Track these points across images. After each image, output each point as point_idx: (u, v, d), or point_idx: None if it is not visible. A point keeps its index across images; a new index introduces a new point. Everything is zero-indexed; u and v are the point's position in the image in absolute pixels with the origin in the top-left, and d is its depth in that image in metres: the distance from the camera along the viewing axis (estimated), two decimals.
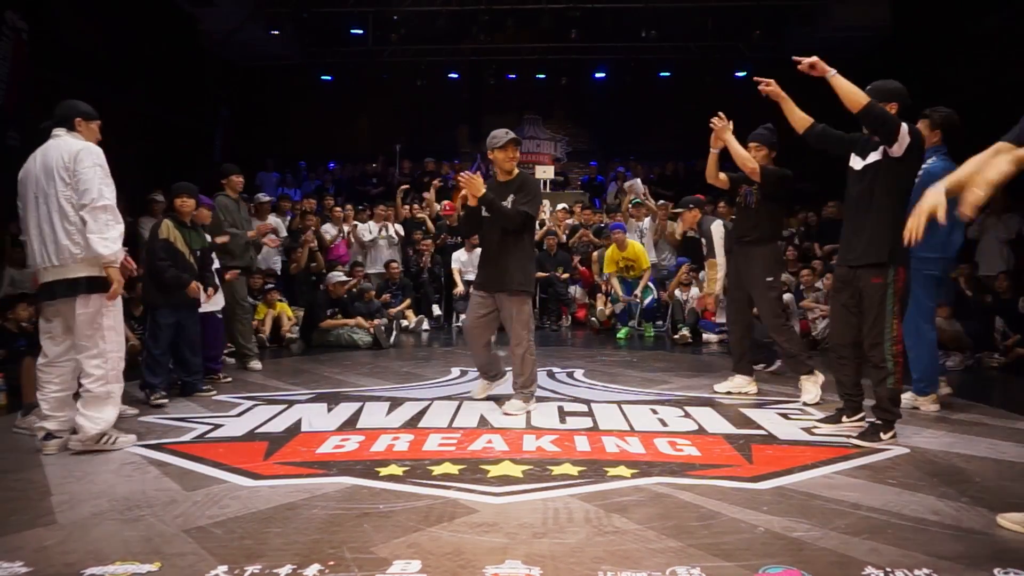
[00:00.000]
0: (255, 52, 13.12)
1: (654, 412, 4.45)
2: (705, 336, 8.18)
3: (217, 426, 4.15)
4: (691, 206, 6.07)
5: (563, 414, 4.42)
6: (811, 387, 4.80)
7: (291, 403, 4.73)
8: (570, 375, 5.89)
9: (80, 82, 9.18)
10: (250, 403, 4.78)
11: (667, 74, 14.50)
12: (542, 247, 9.95)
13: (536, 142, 15.75)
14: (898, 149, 3.61)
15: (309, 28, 13.11)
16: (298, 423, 4.20)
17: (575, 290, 9.85)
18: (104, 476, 3.22)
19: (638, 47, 13.52)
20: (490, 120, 15.79)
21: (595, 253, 9.70)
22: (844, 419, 4.01)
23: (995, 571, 2.24)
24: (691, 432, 3.98)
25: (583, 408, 4.59)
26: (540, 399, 4.86)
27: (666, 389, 5.26)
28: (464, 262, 9.49)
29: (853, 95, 3.65)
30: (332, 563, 2.29)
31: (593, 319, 9.14)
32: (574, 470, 3.27)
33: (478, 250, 9.42)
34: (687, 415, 4.38)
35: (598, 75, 14.88)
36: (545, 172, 12.77)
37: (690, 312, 8.35)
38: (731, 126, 4.78)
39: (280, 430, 4.03)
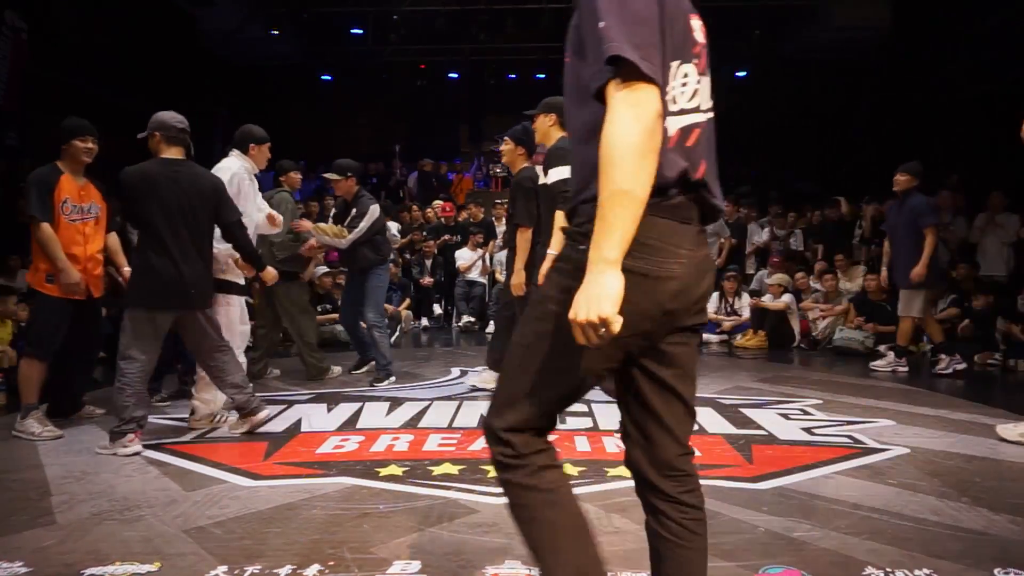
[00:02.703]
0: (255, 52, 13.08)
1: None
2: (705, 336, 8.16)
3: (217, 426, 4.14)
4: (348, 174, 5.53)
5: (563, 414, 4.41)
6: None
7: (291, 403, 4.73)
8: None
9: (80, 82, 9.19)
10: None
11: None
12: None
13: None
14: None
15: (309, 28, 13.09)
16: (298, 423, 4.20)
17: None
18: (104, 476, 3.22)
19: None
20: (490, 120, 15.81)
21: None
22: None
23: (995, 571, 2.24)
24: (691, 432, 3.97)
25: (583, 408, 4.57)
26: None
27: None
28: (467, 259, 9.57)
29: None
30: (332, 563, 2.29)
31: None
32: (574, 470, 3.26)
33: (480, 249, 9.51)
34: None
35: None
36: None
37: None
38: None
39: (280, 430, 4.02)
